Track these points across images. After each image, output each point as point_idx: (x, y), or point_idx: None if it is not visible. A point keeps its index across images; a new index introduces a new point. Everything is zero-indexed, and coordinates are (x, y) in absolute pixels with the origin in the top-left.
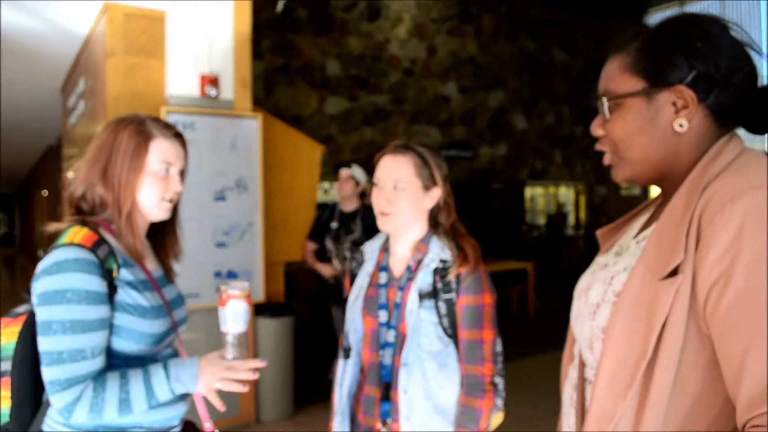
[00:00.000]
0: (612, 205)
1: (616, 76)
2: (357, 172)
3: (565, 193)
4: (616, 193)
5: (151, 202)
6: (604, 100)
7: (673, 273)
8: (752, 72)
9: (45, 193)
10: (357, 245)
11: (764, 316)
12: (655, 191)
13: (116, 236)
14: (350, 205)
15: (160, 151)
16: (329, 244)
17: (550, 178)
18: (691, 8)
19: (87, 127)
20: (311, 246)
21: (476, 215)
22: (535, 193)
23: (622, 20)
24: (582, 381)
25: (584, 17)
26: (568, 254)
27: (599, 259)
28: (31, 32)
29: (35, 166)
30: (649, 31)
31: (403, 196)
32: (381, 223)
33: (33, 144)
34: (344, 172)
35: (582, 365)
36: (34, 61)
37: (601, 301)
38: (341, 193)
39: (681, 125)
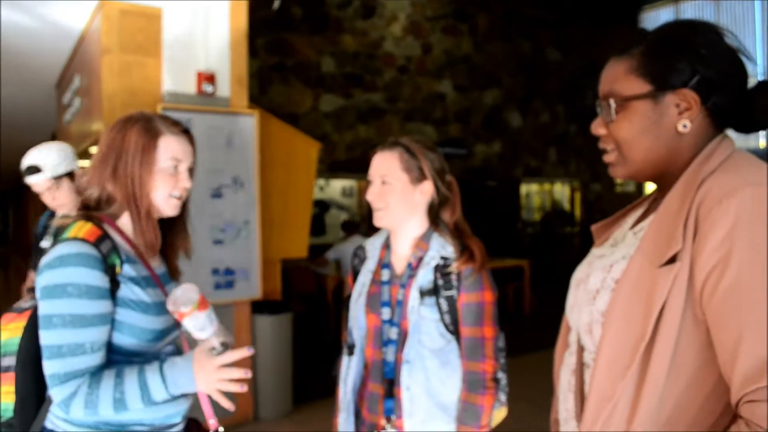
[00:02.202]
0: (607, 202)
1: (622, 78)
2: (55, 161)
3: (560, 191)
4: (611, 190)
5: (160, 199)
6: (611, 101)
7: (671, 261)
8: (745, 76)
9: None
10: None
11: (760, 302)
12: (650, 188)
13: (122, 232)
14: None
15: (169, 148)
16: (32, 274)
17: (544, 176)
18: (685, 7)
19: (82, 124)
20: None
21: (471, 213)
22: (530, 191)
23: (616, 21)
24: (581, 366)
25: (578, 18)
26: (564, 251)
27: (595, 251)
28: (26, 28)
29: None
30: (652, 36)
31: (390, 190)
32: (375, 219)
33: (27, 141)
34: (44, 182)
35: (580, 351)
36: (29, 57)
37: (601, 287)
38: (59, 207)
39: (684, 126)
